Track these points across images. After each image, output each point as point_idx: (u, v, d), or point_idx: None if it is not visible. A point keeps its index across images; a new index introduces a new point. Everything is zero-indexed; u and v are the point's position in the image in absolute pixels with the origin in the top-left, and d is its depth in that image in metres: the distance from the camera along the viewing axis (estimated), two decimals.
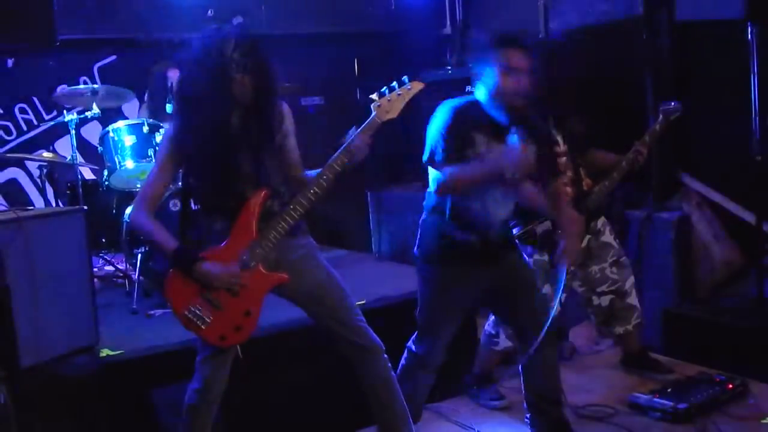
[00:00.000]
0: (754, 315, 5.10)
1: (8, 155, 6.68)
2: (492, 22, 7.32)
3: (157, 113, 6.07)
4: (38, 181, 6.29)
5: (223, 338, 3.40)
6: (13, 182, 6.98)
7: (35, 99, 6.93)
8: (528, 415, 4.06)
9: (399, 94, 3.40)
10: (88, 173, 6.73)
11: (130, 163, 5.66)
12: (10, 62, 6.77)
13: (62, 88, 6.12)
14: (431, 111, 3.71)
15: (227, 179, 3.34)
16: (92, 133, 6.70)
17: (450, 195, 3.72)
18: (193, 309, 3.35)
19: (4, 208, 5.66)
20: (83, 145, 6.52)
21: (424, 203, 3.91)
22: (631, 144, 4.70)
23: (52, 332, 4.00)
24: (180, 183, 4.16)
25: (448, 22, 7.78)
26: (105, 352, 4.24)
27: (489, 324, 4.65)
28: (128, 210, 5.58)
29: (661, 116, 4.72)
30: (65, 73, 6.91)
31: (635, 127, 5.75)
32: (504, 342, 4.57)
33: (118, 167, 5.70)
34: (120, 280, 5.98)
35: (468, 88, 4.29)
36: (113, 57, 7.15)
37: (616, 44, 5.99)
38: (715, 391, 4.37)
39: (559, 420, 4.00)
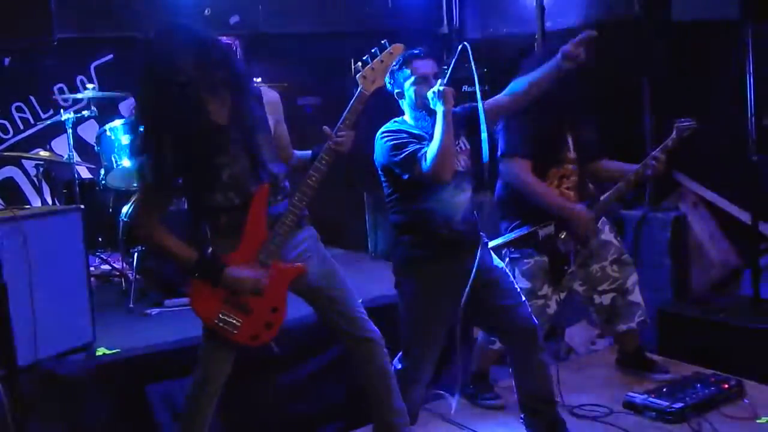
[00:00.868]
0: (749, 315, 5.12)
1: (5, 154, 6.68)
2: (488, 22, 7.33)
3: None
4: (35, 179, 6.29)
5: (255, 338, 3.41)
6: (10, 181, 6.97)
7: (32, 98, 6.92)
8: (522, 415, 4.07)
9: (381, 61, 3.41)
10: (84, 172, 6.73)
11: (126, 162, 5.66)
12: (6, 61, 6.77)
13: (59, 88, 6.12)
14: None
15: (225, 179, 3.33)
16: (89, 131, 6.69)
17: (406, 203, 3.82)
18: (222, 317, 3.34)
19: (0, 207, 5.65)
20: (80, 144, 6.51)
21: (391, 222, 3.98)
22: (628, 145, 4.71)
23: (48, 331, 4.00)
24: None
25: (445, 22, 7.79)
26: (101, 351, 4.24)
27: None
28: (125, 209, 5.59)
29: (675, 132, 4.71)
30: (62, 72, 6.91)
31: (631, 127, 5.77)
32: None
33: (114, 166, 5.70)
34: (116, 279, 5.99)
35: (464, 88, 4.33)
36: (110, 56, 7.15)
37: (613, 44, 5.99)
38: (710, 391, 4.38)
39: (553, 419, 4.01)
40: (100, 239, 6.04)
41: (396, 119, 3.92)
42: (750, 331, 4.94)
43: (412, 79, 3.80)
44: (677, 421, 4.18)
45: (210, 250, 3.40)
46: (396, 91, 3.90)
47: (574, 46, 3.63)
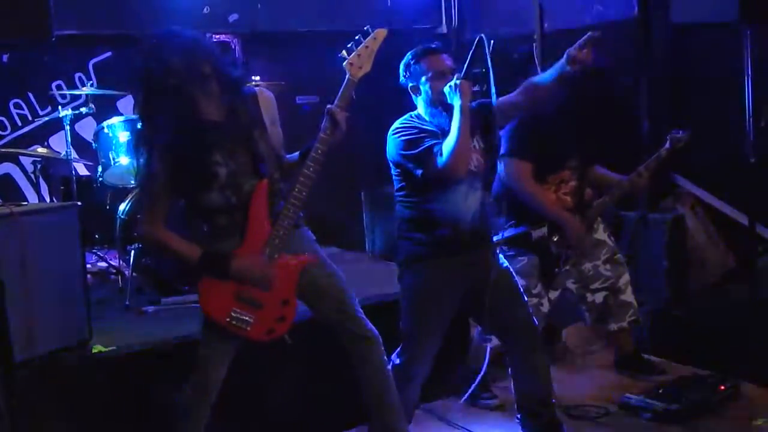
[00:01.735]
0: (746, 316, 5.12)
1: (2, 150, 6.68)
2: (487, 21, 7.33)
3: None
4: (32, 176, 6.28)
5: (270, 332, 3.42)
6: (7, 177, 6.96)
7: (30, 94, 6.91)
8: (519, 416, 4.07)
9: (366, 47, 3.42)
10: (82, 169, 6.72)
11: (124, 160, 5.66)
12: (5, 57, 6.76)
13: (57, 84, 6.11)
14: None
15: (222, 177, 3.33)
16: (87, 128, 6.69)
17: (417, 200, 3.80)
18: (234, 314, 3.35)
19: None
20: (78, 141, 6.51)
21: (397, 215, 3.96)
22: (625, 146, 4.71)
23: (44, 328, 3.99)
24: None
25: (444, 21, 7.79)
26: (97, 348, 4.23)
27: None
28: (122, 206, 5.58)
29: (668, 143, 4.72)
30: (60, 69, 6.90)
31: (629, 129, 5.78)
32: (497, 340, 4.57)
33: (112, 163, 5.70)
34: (113, 277, 5.98)
35: (475, 87, 4.31)
36: (108, 53, 7.14)
37: (611, 46, 6.00)
38: (706, 393, 4.38)
39: (550, 420, 4.01)
40: (97, 236, 6.03)
41: (410, 114, 3.90)
42: (747, 332, 4.94)
43: (429, 74, 3.78)
44: (673, 422, 4.18)
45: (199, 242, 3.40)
46: (411, 85, 3.88)
47: (578, 48, 3.53)
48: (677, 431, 4.15)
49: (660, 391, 4.43)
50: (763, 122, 5.21)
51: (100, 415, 3.98)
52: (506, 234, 4.53)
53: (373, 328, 3.60)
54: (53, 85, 6.73)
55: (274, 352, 4.29)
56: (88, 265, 5.45)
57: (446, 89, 3.67)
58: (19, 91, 6.89)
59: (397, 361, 3.97)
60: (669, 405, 4.24)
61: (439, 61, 3.81)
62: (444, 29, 7.78)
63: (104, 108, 6.26)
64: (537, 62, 5.74)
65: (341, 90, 3.42)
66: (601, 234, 4.76)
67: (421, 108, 3.88)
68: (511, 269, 4.08)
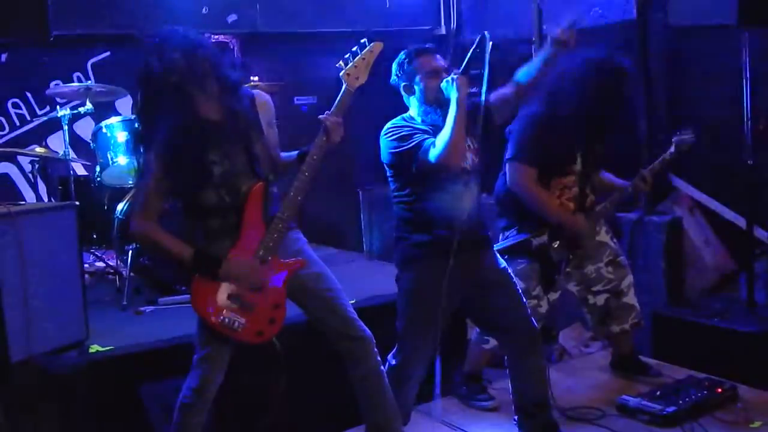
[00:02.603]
0: (743, 319, 5.12)
1: (0, 150, 6.67)
2: (485, 23, 7.33)
3: None
4: (30, 176, 6.28)
5: (260, 334, 3.42)
6: (5, 177, 6.97)
7: (28, 94, 6.92)
8: (516, 417, 4.07)
9: (363, 59, 3.50)
10: (80, 169, 6.72)
11: (122, 160, 5.66)
12: (3, 57, 6.76)
13: (55, 84, 6.11)
14: None
15: (217, 176, 3.34)
16: (85, 128, 6.69)
17: (412, 199, 3.81)
18: (225, 316, 3.35)
19: None
20: (76, 141, 6.51)
21: (395, 216, 3.97)
22: (623, 147, 4.71)
23: (42, 327, 4.00)
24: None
25: (443, 23, 7.79)
26: (95, 348, 4.23)
27: None
28: (120, 206, 5.58)
29: (673, 147, 4.70)
30: (58, 69, 6.90)
31: (626, 132, 5.77)
32: (494, 341, 4.58)
33: (110, 163, 5.70)
34: (111, 277, 5.98)
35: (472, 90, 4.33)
36: (107, 53, 7.14)
37: (609, 48, 6.00)
38: (703, 395, 4.38)
39: (547, 422, 4.01)
40: (94, 236, 6.02)
41: (401, 116, 3.91)
42: (744, 335, 4.94)
43: (423, 73, 3.81)
44: (670, 424, 4.18)
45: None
46: (404, 84, 3.89)
47: (561, 30, 3.75)
48: None
49: (657, 393, 4.43)
50: (761, 125, 5.22)
51: (96, 415, 3.99)
52: (507, 243, 4.53)
53: (366, 328, 3.61)
54: (52, 85, 6.72)
55: (274, 353, 4.33)
56: (86, 265, 5.46)
57: (443, 84, 3.70)
58: (18, 90, 6.89)
59: (393, 362, 3.97)
60: (666, 407, 4.23)
61: (432, 60, 3.84)
62: (443, 31, 7.79)
63: (102, 108, 6.26)
64: None
65: (338, 99, 3.48)
66: (603, 236, 4.76)
67: (413, 108, 3.90)
68: (510, 270, 4.09)
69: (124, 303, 5.21)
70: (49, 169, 6.20)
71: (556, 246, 4.50)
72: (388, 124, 3.85)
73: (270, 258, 3.38)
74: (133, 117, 5.76)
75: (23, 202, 5.32)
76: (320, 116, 3.44)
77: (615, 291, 4.74)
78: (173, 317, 4.82)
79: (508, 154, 4.51)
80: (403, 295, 3.94)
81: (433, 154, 3.60)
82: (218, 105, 3.36)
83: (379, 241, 6.90)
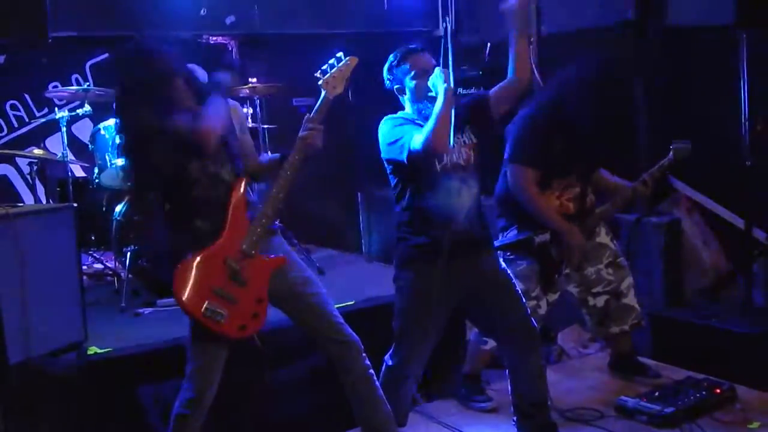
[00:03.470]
0: (742, 320, 5.12)
1: None
2: (483, 24, 7.32)
3: None
4: (28, 177, 6.27)
5: (243, 328, 3.43)
6: (4, 179, 6.97)
7: (27, 96, 6.92)
8: (515, 418, 4.07)
9: (340, 70, 3.61)
10: (78, 171, 6.72)
11: (120, 161, 5.64)
12: (1, 59, 6.76)
13: (54, 86, 6.10)
14: None
15: (200, 176, 3.41)
16: (83, 130, 6.69)
17: (410, 196, 3.82)
18: (209, 307, 3.37)
19: None
20: (74, 143, 6.51)
21: (395, 216, 3.98)
22: (621, 149, 4.71)
23: (40, 329, 3.99)
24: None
25: (441, 24, 7.79)
26: (93, 350, 4.23)
27: None
28: (118, 208, 5.59)
29: (671, 155, 4.69)
30: (57, 71, 6.91)
31: (624, 133, 5.77)
32: (493, 342, 4.58)
33: (108, 165, 5.69)
34: (109, 278, 5.98)
35: (459, 90, 4.35)
36: (105, 54, 7.14)
37: (607, 49, 6.01)
38: (702, 396, 4.38)
39: (545, 423, 4.01)
40: (93, 238, 6.02)
41: (398, 113, 3.94)
42: (742, 336, 4.94)
43: (413, 72, 3.84)
44: (669, 425, 4.18)
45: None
46: (396, 87, 3.93)
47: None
48: None
49: (656, 394, 4.43)
50: (758, 126, 5.22)
51: (94, 417, 3.98)
52: (508, 239, 4.53)
53: (352, 333, 3.63)
54: (50, 86, 6.71)
55: (274, 354, 4.33)
56: (84, 267, 5.45)
57: (430, 81, 3.72)
58: (16, 92, 6.90)
59: (390, 362, 3.97)
60: (664, 408, 4.24)
61: (421, 58, 3.87)
62: (441, 32, 7.77)
63: (101, 109, 6.25)
64: (534, 65, 5.73)
65: (317, 105, 3.59)
66: (603, 238, 4.76)
67: (408, 108, 3.92)
68: (509, 271, 4.09)
69: (123, 305, 5.21)
70: (48, 170, 6.20)
71: (557, 244, 4.51)
72: (383, 121, 3.87)
73: (254, 252, 3.42)
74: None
75: (21, 204, 5.31)
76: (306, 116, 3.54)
77: (615, 292, 4.74)
78: (171, 319, 4.80)
79: (507, 156, 4.51)
80: (401, 295, 3.94)
81: (418, 140, 3.62)
82: (194, 108, 3.43)
83: (378, 243, 6.90)
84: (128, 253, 5.38)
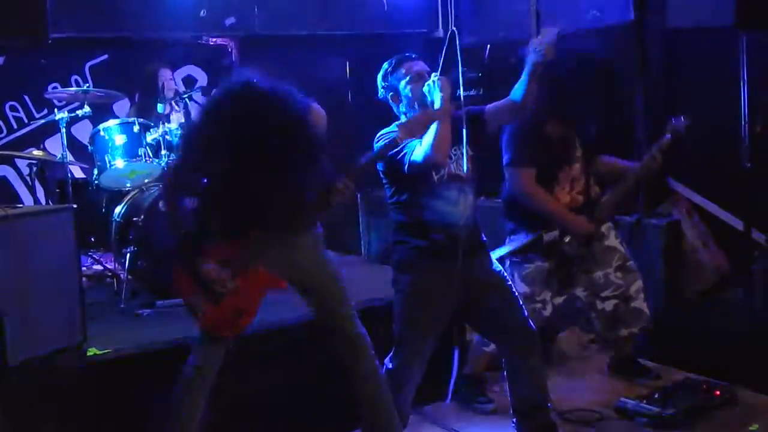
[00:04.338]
0: (741, 322, 5.11)
1: None
2: (483, 26, 7.32)
3: (147, 112, 6.06)
4: (28, 179, 6.27)
5: (215, 328, 3.51)
6: (3, 180, 6.97)
7: (26, 97, 6.92)
8: (514, 420, 4.07)
9: None
10: (78, 172, 6.71)
11: (120, 163, 5.65)
12: (1, 60, 6.76)
13: (53, 87, 6.10)
14: None
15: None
16: (83, 131, 6.68)
17: (408, 205, 3.84)
18: (193, 298, 3.47)
19: None
20: (74, 144, 6.50)
21: (391, 220, 4.00)
22: (621, 152, 4.71)
23: (40, 330, 3.99)
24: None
25: (440, 26, 7.78)
26: (92, 351, 4.22)
27: None
28: (118, 209, 5.58)
29: (669, 132, 4.68)
30: (56, 72, 6.91)
31: (624, 133, 5.77)
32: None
33: (108, 166, 5.68)
34: (109, 280, 5.97)
35: (457, 92, 4.34)
36: (105, 56, 7.14)
37: (608, 50, 6.00)
38: (702, 398, 4.39)
39: (545, 425, 4.01)
40: (92, 239, 6.03)
41: (394, 123, 3.90)
42: (742, 337, 4.93)
43: (408, 78, 3.86)
44: (669, 427, 4.19)
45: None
46: (390, 94, 3.94)
47: (537, 40, 3.76)
48: None
49: (656, 395, 4.43)
50: (758, 127, 5.21)
51: (94, 418, 3.98)
52: (518, 242, 4.53)
53: (364, 330, 3.70)
54: (50, 88, 6.71)
55: (274, 354, 4.33)
56: (84, 268, 5.44)
57: (425, 87, 3.72)
58: (15, 93, 6.89)
59: (390, 365, 3.97)
60: (664, 410, 4.24)
61: (414, 65, 3.91)
62: (440, 33, 7.76)
63: (100, 110, 6.25)
64: None
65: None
66: (612, 241, 4.76)
67: (402, 118, 3.91)
68: (515, 274, 4.10)
69: (122, 306, 5.20)
70: (47, 171, 6.18)
71: (568, 240, 4.50)
72: (379, 133, 3.87)
73: (256, 263, 3.47)
74: (130, 120, 5.77)
75: (21, 205, 5.30)
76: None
77: (624, 296, 4.74)
78: (171, 320, 4.81)
79: (504, 161, 4.52)
80: (400, 298, 3.94)
81: (419, 152, 3.61)
82: None
83: (377, 245, 6.90)
84: (128, 254, 5.37)
